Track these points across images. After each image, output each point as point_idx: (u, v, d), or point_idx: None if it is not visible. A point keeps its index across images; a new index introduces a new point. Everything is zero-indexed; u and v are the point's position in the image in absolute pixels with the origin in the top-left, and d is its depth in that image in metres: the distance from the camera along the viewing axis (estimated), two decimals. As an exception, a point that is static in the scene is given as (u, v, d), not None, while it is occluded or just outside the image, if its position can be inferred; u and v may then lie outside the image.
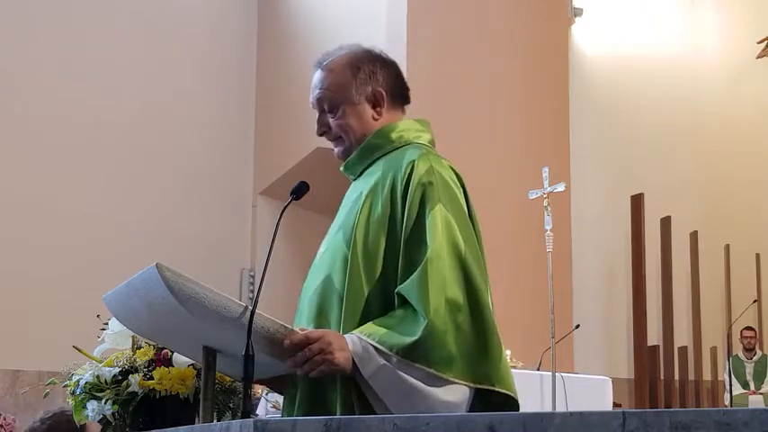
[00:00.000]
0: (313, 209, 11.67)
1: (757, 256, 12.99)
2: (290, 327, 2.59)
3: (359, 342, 2.56)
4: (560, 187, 8.54)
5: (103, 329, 3.01)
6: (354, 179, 2.92)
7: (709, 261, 12.75)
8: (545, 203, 8.43)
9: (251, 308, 2.48)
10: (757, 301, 12.75)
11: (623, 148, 12.50)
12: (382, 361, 2.53)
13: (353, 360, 2.54)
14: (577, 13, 12.18)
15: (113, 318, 2.84)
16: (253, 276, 11.93)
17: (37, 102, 10.85)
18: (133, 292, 2.54)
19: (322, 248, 2.88)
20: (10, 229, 10.50)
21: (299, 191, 2.72)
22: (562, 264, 10.00)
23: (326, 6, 11.63)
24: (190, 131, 11.73)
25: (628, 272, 12.38)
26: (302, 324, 2.73)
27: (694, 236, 12.72)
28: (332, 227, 2.90)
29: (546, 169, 8.56)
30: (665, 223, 12.57)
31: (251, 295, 11.60)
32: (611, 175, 12.34)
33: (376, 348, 2.54)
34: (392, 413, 2.52)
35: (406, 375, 2.53)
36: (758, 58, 13.38)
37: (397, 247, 2.67)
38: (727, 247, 12.87)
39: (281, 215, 2.67)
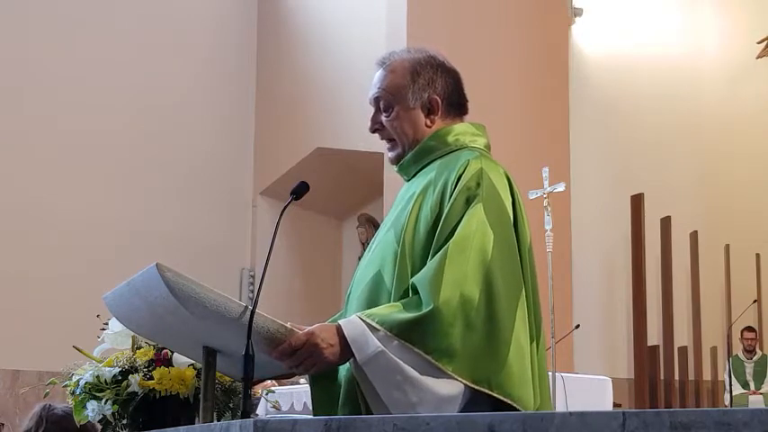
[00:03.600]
0: (313, 209, 11.69)
1: (757, 256, 12.99)
2: (289, 326, 2.59)
3: (358, 324, 2.56)
4: (560, 187, 8.54)
5: (103, 329, 3.01)
6: (408, 179, 2.93)
7: (709, 261, 12.74)
8: (545, 203, 8.43)
9: (251, 308, 2.48)
10: (757, 301, 12.74)
11: (623, 148, 12.49)
12: (379, 346, 2.53)
13: (350, 346, 2.54)
14: (577, 13, 12.17)
15: (113, 318, 2.84)
16: (253, 276, 11.93)
17: (37, 103, 10.85)
18: (133, 293, 2.55)
19: (373, 245, 2.88)
20: (10, 229, 10.50)
21: (299, 191, 2.72)
22: (562, 264, 10.00)
23: (326, 6, 11.64)
24: (190, 132, 11.73)
25: (628, 272, 12.37)
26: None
27: (694, 236, 12.72)
28: (383, 224, 2.92)
29: (546, 169, 8.56)
30: (665, 223, 12.57)
31: (251, 295, 11.61)
32: (611, 175, 12.34)
33: (373, 328, 2.54)
34: (384, 404, 2.53)
35: (400, 362, 2.52)
36: (758, 58, 13.37)
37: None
38: (727, 247, 12.87)
39: (281, 215, 2.67)
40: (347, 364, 2.67)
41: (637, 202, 12.34)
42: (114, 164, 11.19)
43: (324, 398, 2.79)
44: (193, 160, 11.71)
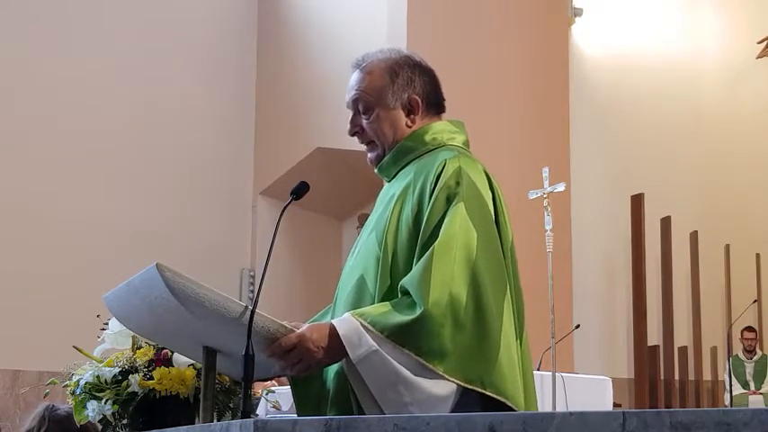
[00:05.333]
0: (313, 209, 11.69)
1: (757, 256, 12.99)
2: (289, 327, 2.59)
3: (351, 322, 2.56)
4: (560, 187, 8.53)
5: (103, 329, 3.01)
6: (389, 181, 2.92)
7: (709, 261, 12.74)
8: (545, 203, 8.42)
9: (251, 308, 2.48)
10: (757, 301, 12.74)
11: (623, 148, 12.49)
12: (373, 345, 2.52)
13: (343, 344, 2.54)
14: (577, 13, 12.17)
15: (113, 318, 2.84)
16: (253, 276, 11.92)
17: (36, 102, 10.85)
18: (133, 292, 2.55)
19: (356, 248, 2.88)
20: (10, 228, 10.50)
21: (299, 191, 2.72)
22: (562, 264, 9.99)
23: (327, 6, 11.63)
24: (190, 132, 11.73)
25: (628, 272, 12.37)
26: None
27: (694, 236, 12.72)
28: (365, 227, 2.91)
29: (546, 169, 8.55)
30: (665, 223, 12.57)
31: (251, 295, 11.60)
32: (611, 175, 12.34)
33: (366, 329, 2.53)
34: (378, 403, 2.53)
35: (394, 362, 2.51)
36: (758, 58, 13.37)
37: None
38: (727, 247, 12.87)
39: (281, 215, 2.67)
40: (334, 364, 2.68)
41: (637, 202, 12.34)
42: (114, 164, 11.18)
43: (306, 397, 2.80)
44: (193, 160, 11.70)
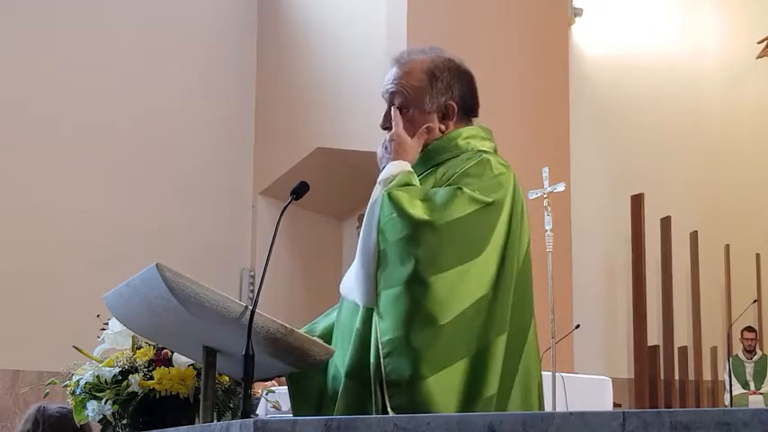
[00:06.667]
0: (313, 209, 11.68)
1: (757, 256, 12.99)
2: (290, 326, 2.59)
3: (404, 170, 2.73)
4: (560, 187, 8.53)
5: (103, 329, 3.01)
6: None
7: (709, 261, 12.74)
8: (545, 203, 8.42)
9: (251, 308, 2.48)
10: (757, 301, 12.74)
11: (623, 148, 12.49)
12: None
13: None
14: (577, 13, 12.17)
15: (113, 318, 2.84)
16: (253, 276, 11.92)
17: (37, 101, 10.85)
18: (133, 292, 2.55)
19: None
20: (10, 228, 10.50)
21: (299, 191, 2.73)
22: (562, 264, 9.99)
23: (326, 7, 11.63)
24: (190, 131, 11.72)
25: (628, 272, 12.37)
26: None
27: (694, 236, 12.72)
28: None
29: (546, 169, 8.55)
30: (665, 223, 12.56)
31: (251, 295, 11.60)
32: (611, 175, 12.34)
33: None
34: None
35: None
36: (758, 58, 13.37)
37: None
38: (727, 247, 12.87)
39: (281, 215, 2.67)
40: (331, 369, 2.68)
41: (637, 202, 12.34)
42: (114, 164, 11.18)
43: (302, 394, 2.81)
44: (193, 160, 11.70)
